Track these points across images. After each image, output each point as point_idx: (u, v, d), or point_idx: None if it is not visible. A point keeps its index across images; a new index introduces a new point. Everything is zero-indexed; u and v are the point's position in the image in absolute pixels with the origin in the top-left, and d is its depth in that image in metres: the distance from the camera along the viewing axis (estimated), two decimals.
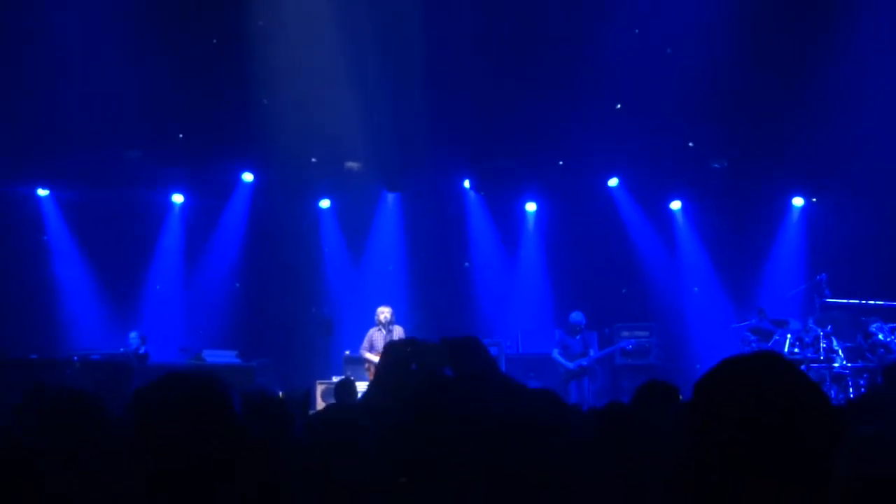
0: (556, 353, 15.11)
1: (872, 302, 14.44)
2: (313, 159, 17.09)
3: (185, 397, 2.42)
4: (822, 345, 13.58)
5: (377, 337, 13.83)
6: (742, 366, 2.11)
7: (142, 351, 13.85)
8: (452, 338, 3.22)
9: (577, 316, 15.09)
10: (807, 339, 13.81)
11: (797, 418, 1.97)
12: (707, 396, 2.09)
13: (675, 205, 18.13)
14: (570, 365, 14.88)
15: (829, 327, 13.85)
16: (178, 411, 2.38)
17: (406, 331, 13.89)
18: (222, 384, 2.54)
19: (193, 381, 2.50)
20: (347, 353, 15.05)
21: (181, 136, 16.45)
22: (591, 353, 15.07)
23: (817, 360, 13.51)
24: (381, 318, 13.90)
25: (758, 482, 1.94)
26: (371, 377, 13.46)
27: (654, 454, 3.46)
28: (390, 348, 3.20)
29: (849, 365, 13.49)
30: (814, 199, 17.53)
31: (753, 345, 14.48)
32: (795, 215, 17.69)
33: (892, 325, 13.69)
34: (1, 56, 14.15)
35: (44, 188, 17.07)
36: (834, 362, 13.47)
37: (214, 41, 15.24)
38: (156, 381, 2.53)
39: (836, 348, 13.64)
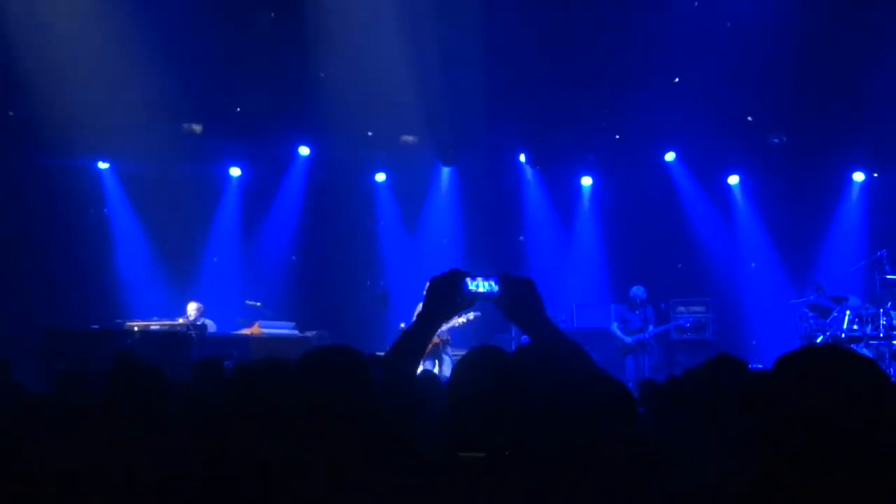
0: (614, 327, 15.12)
1: None
2: (369, 133, 17.13)
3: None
4: (882, 322, 13.42)
5: None
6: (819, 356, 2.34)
7: (200, 322, 14.01)
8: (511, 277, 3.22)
9: (637, 290, 15.04)
10: (866, 316, 13.64)
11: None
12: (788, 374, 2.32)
13: (733, 179, 17.96)
14: (629, 339, 14.86)
15: (889, 304, 13.68)
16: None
17: None
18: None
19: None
20: (403, 325, 15.14)
21: (238, 109, 16.58)
22: (651, 328, 15.03)
23: (877, 338, 13.36)
24: None
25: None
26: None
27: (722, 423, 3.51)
28: (435, 280, 3.20)
29: None
30: (875, 174, 17.27)
31: (811, 321, 14.35)
32: (856, 190, 17.43)
33: None
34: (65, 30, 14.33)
35: (104, 161, 17.30)
36: (894, 339, 13.31)
37: (272, 15, 15.31)
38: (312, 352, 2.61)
39: None
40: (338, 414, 2.28)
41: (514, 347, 11.44)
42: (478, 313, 13.24)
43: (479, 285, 3.26)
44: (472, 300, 3.28)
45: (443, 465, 2.59)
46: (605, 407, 2.95)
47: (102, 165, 17.32)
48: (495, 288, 3.26)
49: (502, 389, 2.93)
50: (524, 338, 12.91)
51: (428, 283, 3.30)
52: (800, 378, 2.29)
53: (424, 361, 12.75)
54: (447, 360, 13.40)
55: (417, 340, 3.24)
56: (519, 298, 3.17)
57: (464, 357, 3.21)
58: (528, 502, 2.55)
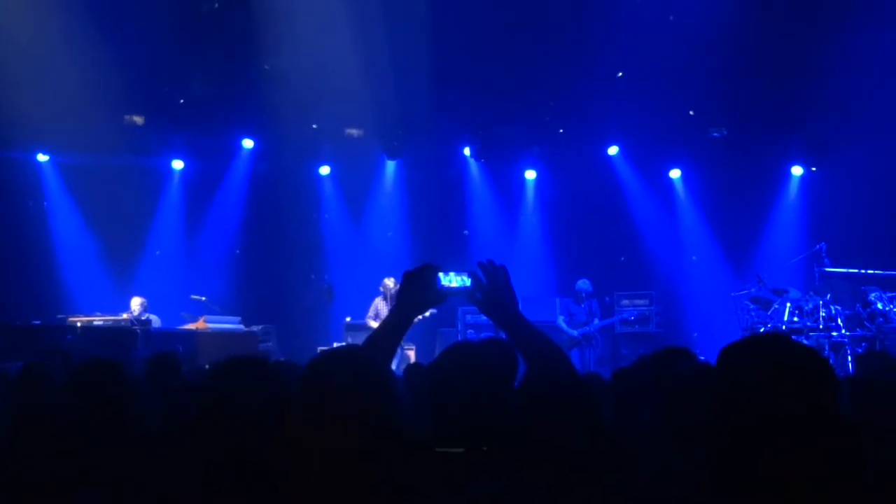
0: (560, 321, 15.20)
1: (871, 271, 14.51)
2: (314, 126, 17.07)
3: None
4: (822, 313, 13.65)
5: (382, 307, 14.00)
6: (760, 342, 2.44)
7: (144, 317, 13.88)
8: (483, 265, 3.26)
9: (583, 283, 15.17)
10: (806, 308, 13.87)
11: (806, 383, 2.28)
12: (733, 365, 2.39)
13: (675, 173, 18.15)
14: (575, 332, 14.97)
15: (829, 296, 13.91)
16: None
17: None
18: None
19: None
20: (348, 319, 15.16)
21: (182, 101, 16.41)
22: (596, 321, 15.16)
23: (816, 329, 13.58)
24: (388, 287, 14.08)
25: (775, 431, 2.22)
26: None
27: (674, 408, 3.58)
28: (408, 275, 3.22)
29: (847, 334, 13.56)
30: (813, 168, 17.55)
31: (753, 313, 14.52)
32: (795, 184, 17.71)
33: (891, 293, 13.73)
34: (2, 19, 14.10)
35: (44, 153, 17.01)
36: (833, 331, 13.55)
37: (216, 5, 15.17)
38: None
39: (836, 317, 13.71)
40: (344, 416, 2.29)
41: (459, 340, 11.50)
42: (434, 310, 13.31)
43: (452, 280, 3.28)
44: (446, 295, 3.30)
45: (421, 460, 2.61)
46: (576, 403, 2.99)
47: (42, 158, 17.05)
48: (468, 282, 3.29)
49: (480, 386, 2.95)
50: (470, 332, 12.94)
51: (401, 279, 3.31)
52: (744, 370, 2.34)
53: None
54: (399, 354, 13.44)
55: (392, 336, 3.25)
56: (495, 292, 3.20)
57: (442, 354, 3.22)
58: (506, 496, 2.58)
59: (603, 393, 4.96)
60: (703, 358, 10.28)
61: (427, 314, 13.35)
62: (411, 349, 14.44)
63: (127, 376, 3.90)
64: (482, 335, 14.17)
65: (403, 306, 3.27)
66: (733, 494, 2.22)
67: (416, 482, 2.41)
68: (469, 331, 15.51)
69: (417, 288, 3.27)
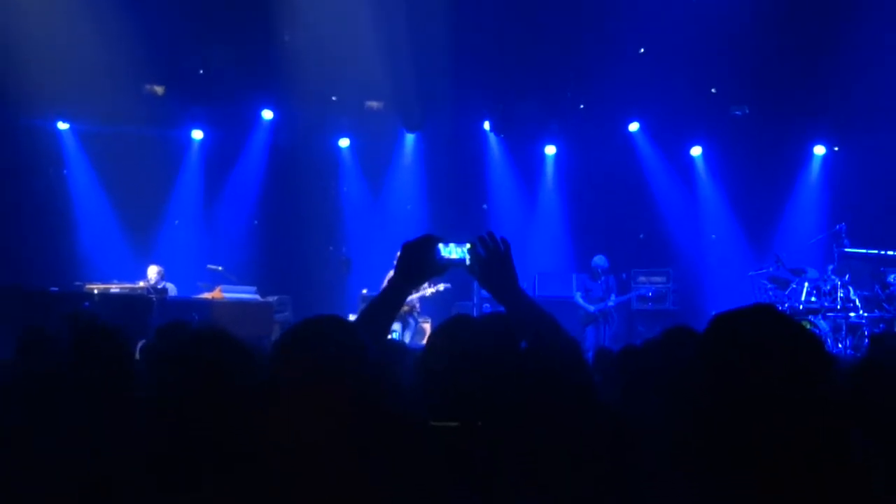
0: (577, 297, 15.20)
1: (891, 252, 14.41)
2: (333, 98, 17.05)
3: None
4: (840, 294, 13.57)
5: None
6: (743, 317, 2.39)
7: (161, 285, 13.93)
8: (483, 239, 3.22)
9: (599, 260, 15.13)
10: (824, 288, 13.79)
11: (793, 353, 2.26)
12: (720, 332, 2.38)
13: (696, 150, 18.04)
14: (591, 308, 14.96)
15: (847, 277, 13.83)
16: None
17: None
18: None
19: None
20: (364, 291, 15.16)
21: (201, 72, 16.42)
22: (613, 297, 15.13)
23: (834, 310, 13.51)
24: None
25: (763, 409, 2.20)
26: None
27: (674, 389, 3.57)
28: (407, 246, 3.18)
29: (865, 315, 13.48)
30: (836, 148, 17.41)
31: (770, 293, 14.46)
32: (816, 164, 17.59)
33: None
34: None
35: (64, 121, 17.06)
36: (851, 312, 13.48)
37: None
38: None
39: (854, 298, 13.63)
40: (327, 388, 2.27)
41: (475, 315, 11.50)
42: (448, 285, 13.30)
43: (452, 251, 3.25)
44: (445, 266, 3.27)
45: (416, 434, 2.60)
46: (574, 379, 2.97)
47: (62, 126, 17.09)
48: (468, 254, 3.26)
49: (476, 359, 2.94)
50: (486, 306, 12.99)
51: (400, 249, 3.29)
52: (730, 340, 2.33)
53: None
54: (413, 326, 13.47)
55: (388, 307, 3.23)
56: (493, 265, 3.17)
57: (438, 327, 3.21)
58: (500, 471, 2.57)
59: (611, 368, 4.93)
60: None
61: (441, 288, 13.35)
62: (427, 322, 14.45)
63: (124, 343, 3.87)
64: (499, 309, 14.17)
65: (401, 277, 3.25)
66: (719, 463, 2.21)
67: (409, 457, 2.40)
68: (485, 305, 15.49)
69: (416, 259, 3.25)
